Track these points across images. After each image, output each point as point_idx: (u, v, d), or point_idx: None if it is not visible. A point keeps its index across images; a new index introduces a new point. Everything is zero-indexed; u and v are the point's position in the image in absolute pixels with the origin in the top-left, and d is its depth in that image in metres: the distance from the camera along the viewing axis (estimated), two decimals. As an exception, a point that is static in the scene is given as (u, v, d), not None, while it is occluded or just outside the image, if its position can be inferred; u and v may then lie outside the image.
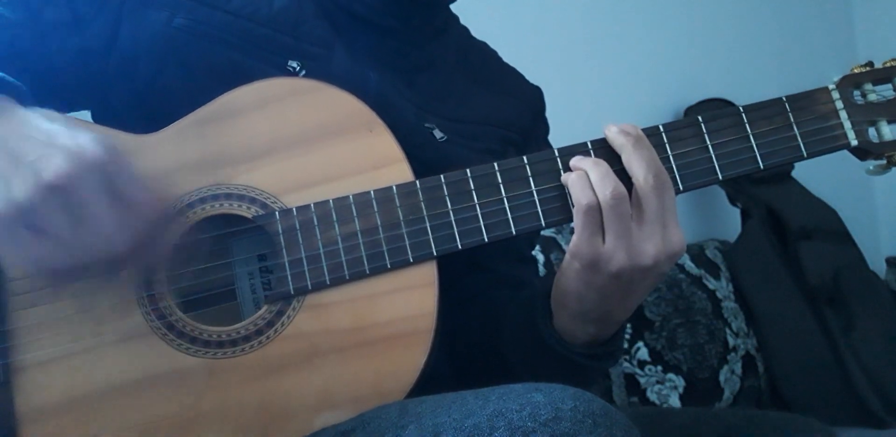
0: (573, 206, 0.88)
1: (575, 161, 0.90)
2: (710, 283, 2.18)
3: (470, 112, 1.07)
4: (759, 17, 2.72)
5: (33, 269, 0.80)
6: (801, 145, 0.94)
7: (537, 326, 0.94)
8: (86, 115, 1.04)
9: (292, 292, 0.87)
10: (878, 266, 2.56)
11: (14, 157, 0.75)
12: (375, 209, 0.88)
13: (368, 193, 0.89)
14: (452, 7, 1.13)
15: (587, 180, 0.87)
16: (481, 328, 1.05)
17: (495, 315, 1.04)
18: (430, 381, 0.86)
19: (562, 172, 0.90)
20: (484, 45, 1.19)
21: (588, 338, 0.93)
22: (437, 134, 1.02)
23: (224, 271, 0.93)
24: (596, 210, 0.86)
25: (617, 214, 0.85)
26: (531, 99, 1.17)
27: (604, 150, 0.91)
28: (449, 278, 1.09)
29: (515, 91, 1.15)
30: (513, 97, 1.13)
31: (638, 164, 0.88)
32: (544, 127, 1.18)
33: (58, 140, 0.76)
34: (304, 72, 0.97)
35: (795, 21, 2.80)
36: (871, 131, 0.95)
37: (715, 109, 0.94)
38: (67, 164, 0.74)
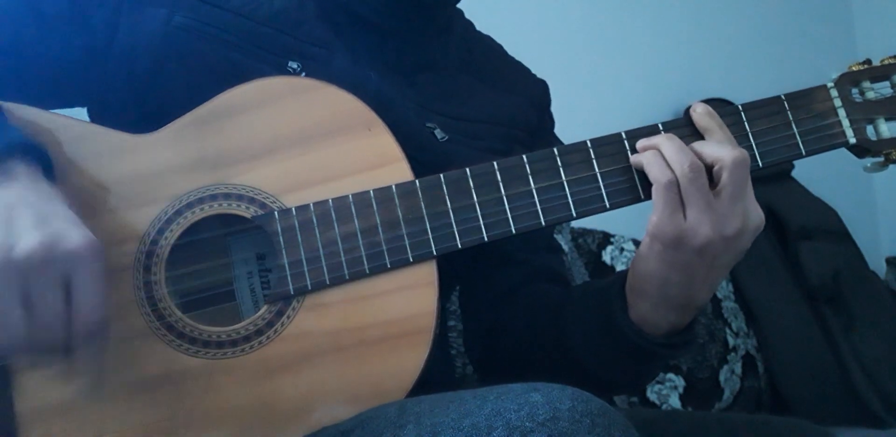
0: (640, 187, 0.89)
1: (644, 141, 0.90)
2: (711, 283, 2.18)
3: (473, 111, 1.07)
4: (759, 16, 2.72)
5: None
6: (800, 143, 0.94)
7: (613, 320, 0.92)
8: (82, 113, 1.04)
9: (292, 292, 0.87)
10: (878, 266, 2.56)
11: (6, 224, 0.75)
12: (375, 209, 0.88)
13: (368, 192, 0.89)
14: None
15: (662, 158, 0.87)
16: (530, 324, 1.04)
17: (547, 309, 1.03)
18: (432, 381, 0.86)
19: (561, 170, 0.90)
20: (488, 39, 1.18)
21: (668, 327, 0.92)
22: (439, 134, 1.02)
23: (223, 271, 0.93)
24: (675, 186, 0.86)
25: (697, 187, 0.85)
26: (536, 94, 1.16)
27: (603, 147, 0.91)
28: (482, 273, 1.08)
29: (520, 87, 1.14)
30: (517, 94, 1.13)
31: (727, 142, 0.89)
32: (550, 122, 1.18)
33: (49, 221, 0.76)
34: (304, 73, 0.97)
35: (795, 21, 2.80)
36: (870, 129, 0.95)
37: (714, 109, 0.94)
38: (41, 248, 0.74)
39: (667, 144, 0.88)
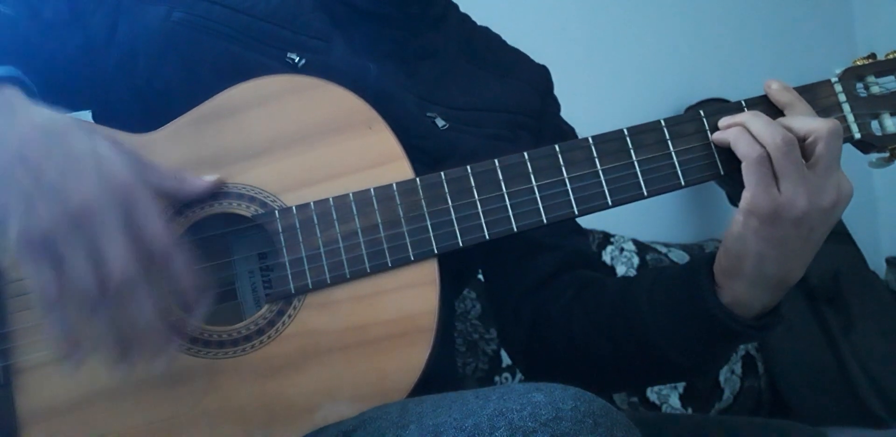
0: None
1: (727, 119, 0.90)
2: (711, 283, 2.17)
3: (474, 99, 1.07)
4: (759, 16, 2.72)
5: (40, 295, 0.74)
6: None
7: (703, 303, 0.92)
8: (87, 117, 1.04)
9: (293, 292, 0.87)
10: (878, 266, 2.56)
11: (36, 173, 0.73)
12: (376, 207, 0.88)
13: (368, 191, 0.88)
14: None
15: (749, 133, 0.87)
16: (587, 313, 1.03)
17: (604, 296, 1.03)
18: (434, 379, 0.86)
19: (563, 168, 0.90)
20: (486, 29, 1.19)
21: (760, 308, 0.92)
22: (440, 123, 1.02)
23: (224, 270, 0.92)
24: (767, 160, 0.86)
25: (792, 160, 0.86)
26: (537, 80, 1.17)
27: (605, 144, 0.91)
28: (512, 264, 1.07)
29: (521, 73, 1.15)
30: (518, 80, 1.13)
31: (811, 114, 0.90)
32: (555, 105, 1.18)
33: (82, 160, 0.74)
34: (303, 61, 0.97)
35: (795, 20, 2.80)
36: (874, 124, 0.94)
37: (714, 106, 0.94)
38: (93, 192, 0.73)
39: (753, 120, 0.88)
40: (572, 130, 1.17)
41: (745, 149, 0.87)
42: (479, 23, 1.19)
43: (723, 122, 0.91)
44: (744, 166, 0.87)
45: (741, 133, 0.88)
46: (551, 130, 1.13)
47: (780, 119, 0.89)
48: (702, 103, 2.42)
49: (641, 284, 1.00)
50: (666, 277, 0.99)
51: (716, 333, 0.92)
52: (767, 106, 0.93)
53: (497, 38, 1.19)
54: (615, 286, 1.04)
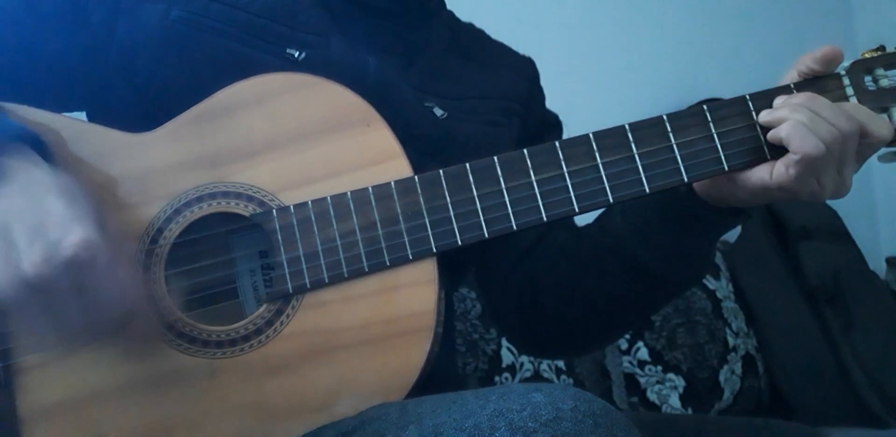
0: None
1: (779, 109, 0.90)
2: (710, 283, 2.18)
3: (467, 89, 1.08)
4: (759, 16, 2.72)
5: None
6: None
7: (673, 194, 0.94)
8: (81, 117, 1.03)
9: (291, 291, 0.87)
10: (878, 266, 2.56)
11: (6, 237, 0.76)
12: (374, 206, 0.88)
13: (366, 189, 0.88)
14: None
15: (807, 128, 0.86)
16: (568, 256, 1.06)
17: (585, 248, 1.05)
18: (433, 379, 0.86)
19: (564, 165, 0.89)
20: (470, 25, 1.21)
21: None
22: (438, 112, 1.03)
23: (225, 269, 0.92)
24: (824, 152, 0.85)
25: (848, 150, 0.87)
26: (524, 68, 1.18)
27: (606, 140, 0.90)
28: (498, 237, 1.10)
29: (508, 63, 1.17)
30: (506, 69, 1.15)
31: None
32: (540, 95, 1.19)
33: (42, 230, 0.76)
34: (303, 56, 0.98)
35: (795, 20, 2.80)
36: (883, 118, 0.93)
37: (716, 103, 0.93)
38: (43, 266, 0.74)
39: (826, 109, 0.87)
40: (555, 116, 1.18)
41: (804, 144, 0.85)
42: (480, 20, 1.20)
43: (772, 114, 0.90)
44: (796, 160, 0.85)
45: (800, 127, 0.86)
46: (536, 118, 1.15)
47: (858, 116, 0.88)
48: (701, 103, 2.41)
49: (615, 207, 1.02)
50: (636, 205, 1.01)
51: (685, 222, 0.95)
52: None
53: (482, 32, 1.21)
54: (593, 224, 1.06)
